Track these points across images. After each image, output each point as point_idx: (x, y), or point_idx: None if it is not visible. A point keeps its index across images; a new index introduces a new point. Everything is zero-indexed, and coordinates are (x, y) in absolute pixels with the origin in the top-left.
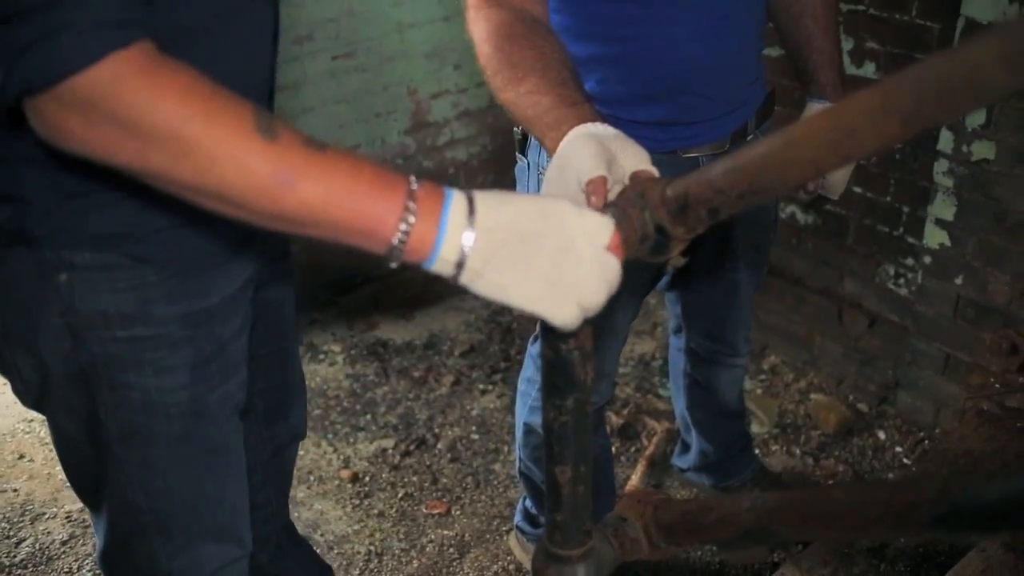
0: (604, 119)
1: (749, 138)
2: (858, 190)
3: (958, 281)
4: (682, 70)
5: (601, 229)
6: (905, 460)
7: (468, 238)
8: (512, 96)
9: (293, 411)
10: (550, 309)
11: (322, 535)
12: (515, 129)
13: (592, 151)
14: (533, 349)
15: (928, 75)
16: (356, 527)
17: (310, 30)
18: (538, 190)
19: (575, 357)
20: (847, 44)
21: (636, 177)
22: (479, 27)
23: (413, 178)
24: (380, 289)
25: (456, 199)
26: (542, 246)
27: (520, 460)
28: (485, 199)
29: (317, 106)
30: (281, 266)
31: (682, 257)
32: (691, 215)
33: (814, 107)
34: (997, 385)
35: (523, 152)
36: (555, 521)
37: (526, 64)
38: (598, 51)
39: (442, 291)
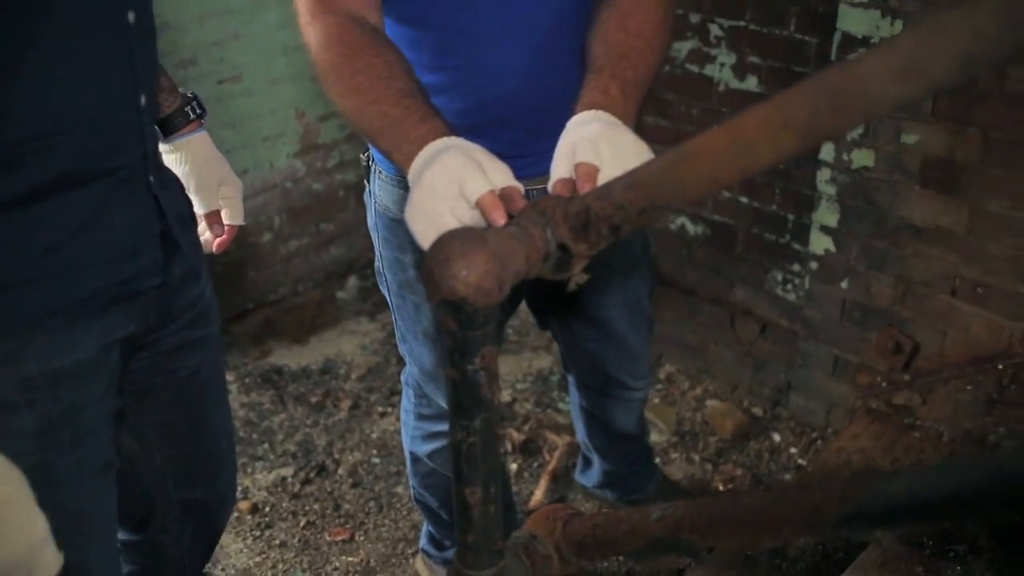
0: (457, 132)
1: None
2: (744, 200)
3: (843, 285)
4: (502, 104)
5: None
6: (800, 461)
7: None
8: (355, 104)
9: (218, 478)
10: None
11: (223, 569)
12: (361, 156)
13: (470, 166)
14: (405, 376)
15: (822, 90)
16: (258, 559)
17: (194, 54)
18: (375, 218)
19: (481, 378)
20: (729, 59)
21: (508, 193)
22: (316, 32)
23: None
24: (272, 315)
25: None
26: None
27: (413, 488)
28: None
29: None
30: (198, 333)
31: (584, 274)
32: (593, 232)
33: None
34: (884, 384)
35: (368, 179)
36: (466, 543)
37: (370, 72)
38: (425, 80)
39: (337, 315)
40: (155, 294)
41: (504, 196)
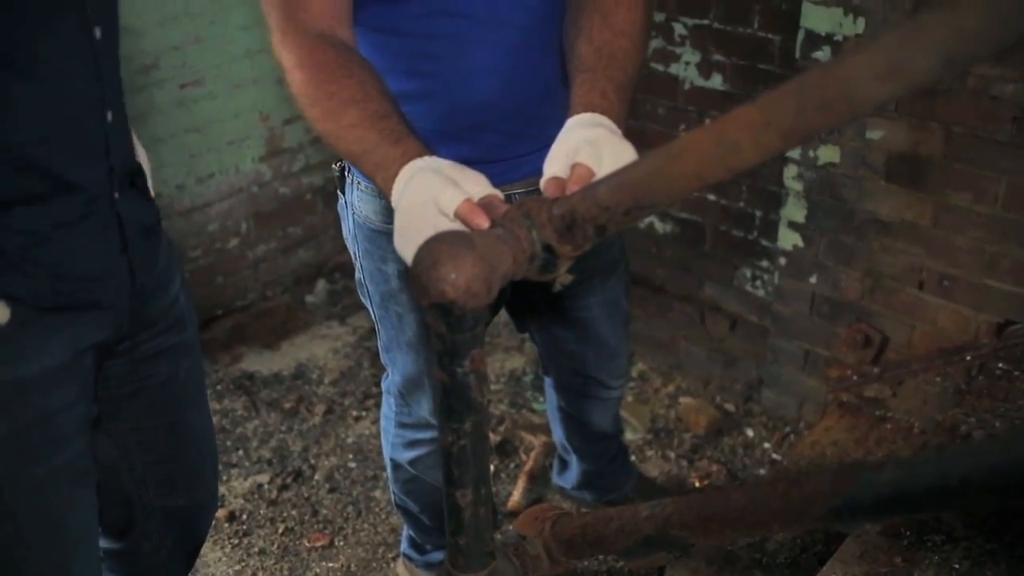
0: (432, 151)
1: None
2: (712, 197)
3: (812, 280)
4: (481, 108)
5: None
6: (774, 455)
7: None
8: (332, 128)
9: (199, 484)
10: None
11: None
12: (333, 166)
13: (440, 182)
14: (386, 384)
15: (807, 89)
16: (237, 567)
17: (155, 59)
18: (354, 229)
19: (471, 380)
20: (694, 57)
21: (487, 201)
22: (289, 53)
23: None
24: (242, 320)
25: None
26: None
27: (394, 493)
28: None
29: (167, 137)
30: (174, 339)
31: (569, 275)
32: (578, 233)
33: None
34: (854, 377)
35: (342, 190)
36: (457, 545)
37: (345, 94)
38: (400, 87)
39: (307, 319)
40: (125, 305)
41: (484, 205)
